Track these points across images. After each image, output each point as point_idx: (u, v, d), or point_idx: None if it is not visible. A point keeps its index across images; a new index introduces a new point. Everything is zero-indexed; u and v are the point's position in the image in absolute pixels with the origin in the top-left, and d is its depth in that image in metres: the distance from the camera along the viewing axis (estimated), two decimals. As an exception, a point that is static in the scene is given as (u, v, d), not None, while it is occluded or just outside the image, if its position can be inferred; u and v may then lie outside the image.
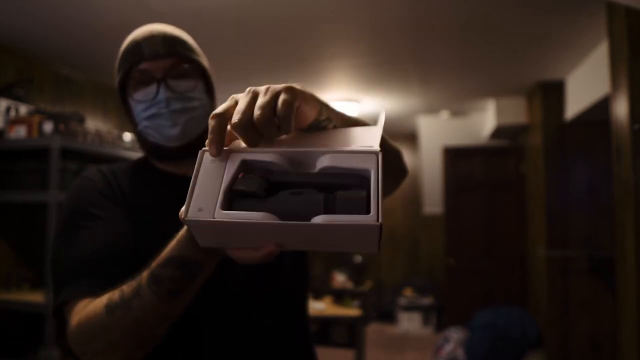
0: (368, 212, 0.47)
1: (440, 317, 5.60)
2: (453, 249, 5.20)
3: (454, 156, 5.25)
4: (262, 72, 3.69)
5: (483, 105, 4.86)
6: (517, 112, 4.44)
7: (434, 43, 3.08)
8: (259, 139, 0.53)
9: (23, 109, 2.93)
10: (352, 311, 3.90)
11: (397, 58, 3.38)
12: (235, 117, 0.51)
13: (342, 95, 4.34)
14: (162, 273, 0.62)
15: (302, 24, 2.77)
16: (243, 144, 0.56)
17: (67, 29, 2.78)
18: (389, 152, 0.81)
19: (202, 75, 0.94)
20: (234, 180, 0.52)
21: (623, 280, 2.09)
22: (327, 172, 0.52)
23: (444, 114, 5.28)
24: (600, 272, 3.58)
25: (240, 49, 3.15)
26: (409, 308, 5.68)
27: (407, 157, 6.18)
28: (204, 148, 0.55)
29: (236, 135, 0.54)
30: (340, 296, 5.01)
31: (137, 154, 2.22)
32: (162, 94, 0.87)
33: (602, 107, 3.03)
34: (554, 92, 3.84)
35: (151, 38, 0.88)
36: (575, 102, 3.57)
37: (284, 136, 0.56)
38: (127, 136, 3.10)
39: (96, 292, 0.72)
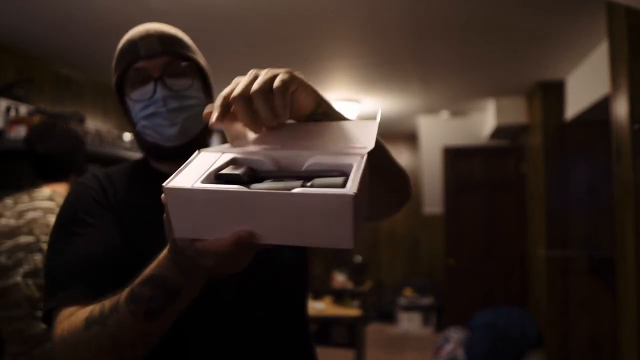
0: None
1: (440, 317, 5.60)
2: (453, 249, 5.20)
3: (454, 156, 5.25)
4: (262, 72, 3.69)
5: (483, 105, 4.85)
6: (517, 112, 4.44)
7: (434, 43, 3.08)
8: (256, 118, 0.56)
9: (23, 109, 2.93)
10: (352, 311, 3.90)
11: (397, 58, 3.38)
12: (236, 91, 0.55)
13: (342, 95, 4.34)
14: (142, 292, 0.61)
15: (302, 24, 2.77)
16: (243, 145, 0.57)
17: (67, 28, 2.78)
18: (395, 173, 0.81)
19: (199, 73, 0.94)
20: (221, 168, 0.55)
21: (623, 280, 2.09)
22: (312, 168, 0.55)
23: (444, 114, 5.28)
24: (600, 272, 3.58)
25: (240, 48, 3.15)
26: (409, 308, 5.68)
27: (407, 157, 6.20)
28: (201, 149, 0.58)
29: (236, 109, 0.56)
30: (340, 296, 5.00)
31: (137, 154, 2.22)
32: (159, 92, 0.87)
33: (602, 107, 3.03)
34: (554, 92, 3.84)
35: (147, 37, 0.88)
36: (575, 102, 3.57)
37: (279, 126, 0.58)
38: (127, 136, 3.09)
39: (82, 300, 0.72)
